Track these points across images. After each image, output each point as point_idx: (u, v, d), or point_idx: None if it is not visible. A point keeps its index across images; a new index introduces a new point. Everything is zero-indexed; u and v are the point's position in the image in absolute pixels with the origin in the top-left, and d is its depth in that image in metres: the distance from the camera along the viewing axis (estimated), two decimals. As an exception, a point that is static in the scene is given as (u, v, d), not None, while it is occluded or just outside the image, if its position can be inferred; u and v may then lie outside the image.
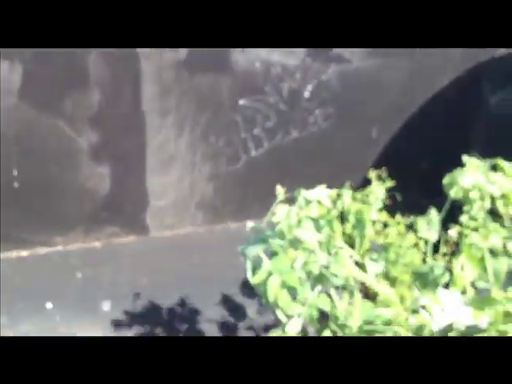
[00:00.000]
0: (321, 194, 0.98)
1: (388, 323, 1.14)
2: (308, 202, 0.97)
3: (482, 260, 1.17)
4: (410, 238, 1.16)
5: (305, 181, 2.13)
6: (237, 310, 2.10)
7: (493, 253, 1.22)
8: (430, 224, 1.14)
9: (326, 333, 1.20)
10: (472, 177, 1.02)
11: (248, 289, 1.75)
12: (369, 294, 1.15)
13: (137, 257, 2.11)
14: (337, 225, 1.07)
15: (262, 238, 1.15)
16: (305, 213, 0.97)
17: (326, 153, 1.89)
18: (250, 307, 2.15)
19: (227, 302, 2.12)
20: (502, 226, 1.22)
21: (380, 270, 1.22)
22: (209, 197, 2.05)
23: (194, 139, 1.91)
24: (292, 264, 1.12)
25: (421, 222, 1.13)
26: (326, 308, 1.10)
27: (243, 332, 2.02)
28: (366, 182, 2.06)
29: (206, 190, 2.03)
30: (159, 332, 1.94)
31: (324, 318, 1.34)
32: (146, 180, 1.93)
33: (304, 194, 0.97)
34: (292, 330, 1.07)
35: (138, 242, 2.12)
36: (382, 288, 1.15)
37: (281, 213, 0.97)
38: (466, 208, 1.15)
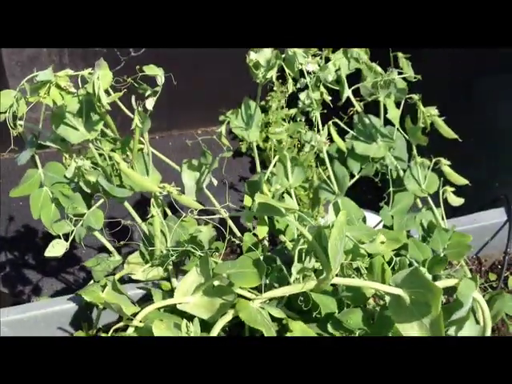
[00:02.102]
0: (60, 74, 0.73)
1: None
2: (40, 86, 0.72)
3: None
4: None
5: (202, 82, 1.86)
6: (123, 233, 1.89)
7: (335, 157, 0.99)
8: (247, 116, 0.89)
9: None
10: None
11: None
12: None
13: (11, 175, 1.88)
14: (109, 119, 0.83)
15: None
16: (35, 99, 0.73)
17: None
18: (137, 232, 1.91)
19: (113, 224, 1.91)
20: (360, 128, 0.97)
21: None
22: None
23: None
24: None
25: (233, 117, 0.89)
26: (98, 227, 0.88)
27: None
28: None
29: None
30: (29, 258, 1.75)
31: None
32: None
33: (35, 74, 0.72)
34: (53, 253, 0.85)
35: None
36: (187, 200, 0.92)
37: (4, 102, 0.73)
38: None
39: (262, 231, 0.78)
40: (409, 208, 0.96)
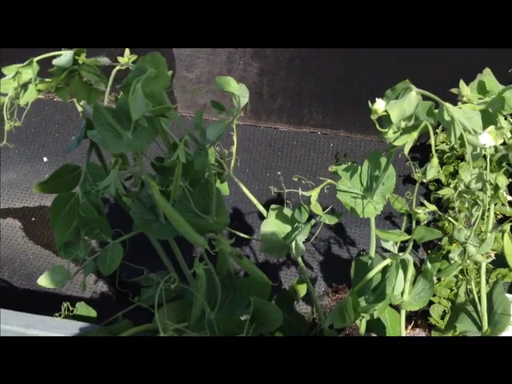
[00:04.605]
0: (88, 61, 0.47)
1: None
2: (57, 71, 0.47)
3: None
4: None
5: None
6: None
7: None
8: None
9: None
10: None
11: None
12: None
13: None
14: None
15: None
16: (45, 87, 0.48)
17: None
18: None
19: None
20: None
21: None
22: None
23: None
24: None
25: (345, 175, 0.57)
26: (107, 272, 0.63)
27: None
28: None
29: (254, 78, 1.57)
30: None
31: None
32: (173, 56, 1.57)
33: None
34: (45, 284, 0.63)
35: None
36: (250, 268, 0.63)
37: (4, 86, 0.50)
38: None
39: None
40: None
